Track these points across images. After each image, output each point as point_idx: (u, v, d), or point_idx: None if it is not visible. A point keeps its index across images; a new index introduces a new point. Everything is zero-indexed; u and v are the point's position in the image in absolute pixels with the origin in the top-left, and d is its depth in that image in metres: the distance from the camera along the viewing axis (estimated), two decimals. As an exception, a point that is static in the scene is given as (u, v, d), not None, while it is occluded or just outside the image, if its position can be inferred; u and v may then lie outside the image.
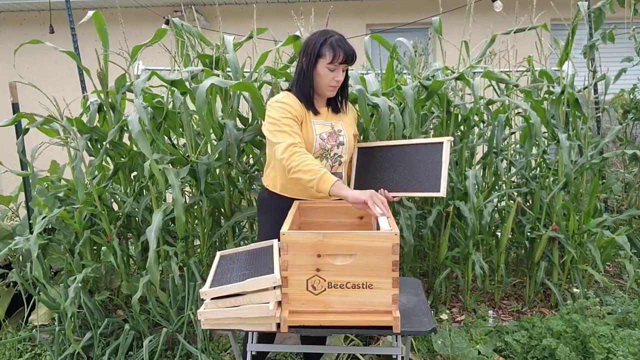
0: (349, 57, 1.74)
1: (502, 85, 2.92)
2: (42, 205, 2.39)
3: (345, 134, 1.86)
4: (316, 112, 1.83)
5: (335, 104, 1.89)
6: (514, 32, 2.63)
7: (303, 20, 2.58)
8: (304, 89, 1.80)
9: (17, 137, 2.51)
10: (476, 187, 2.53)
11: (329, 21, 2.47)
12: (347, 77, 1.86)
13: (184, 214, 2.16)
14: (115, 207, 2.66)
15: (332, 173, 1.81)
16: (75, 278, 2.28)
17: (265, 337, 1.89)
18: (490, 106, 2.69)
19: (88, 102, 2.51)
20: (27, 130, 2.41)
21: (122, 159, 2.48)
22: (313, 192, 1.67)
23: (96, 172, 2.50)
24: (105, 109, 2.45)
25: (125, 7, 6.17)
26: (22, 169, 2.55)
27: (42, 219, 2.29)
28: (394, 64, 2.71)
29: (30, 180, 2.43)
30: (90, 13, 2.31)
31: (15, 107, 2.54)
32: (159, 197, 2.46)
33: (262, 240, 1.81)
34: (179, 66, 2.59)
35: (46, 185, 2.66)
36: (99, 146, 2.53)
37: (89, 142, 2.45)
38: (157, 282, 2.12)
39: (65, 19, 3.24)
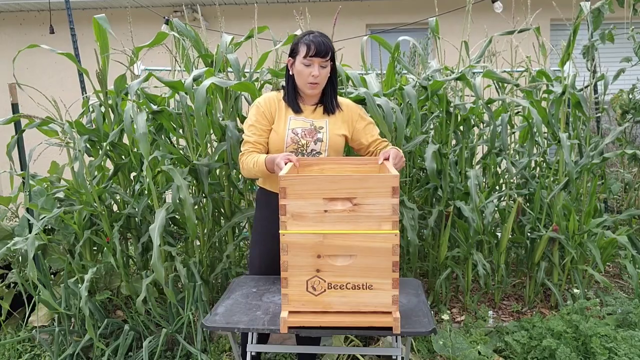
0: (320, 50, 1.74)
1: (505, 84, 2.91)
2: (36, 207, 2.38)
3: (327, 132, 1.84)
4: (298, 111, 1.85)
5: (327, 104, 1.88)
6: (517, 33, 2.61)
7: (303, 20, 2.58)
8: (289, 88, 1.87)
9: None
10: (477, 187, 2.52)
11: (329, 21, 2.47)
12: (334, 76, 1.87)
13: (193, 214, 2.16)
14: (114, 208, 2.65)
15: None
16: (78, 279, 2.27)
17: (260, 338, 1.92)
18: (489, 105, 2.67)
19: (89, 103, 2.51)
20: (22, 131, 2.40)
21: (122, 160, 2.48)
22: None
23: (96, 173, 2.49)
24: (104, 109, 2.44)
25: (125, 7, 6.16)
26: (22, 170, 2.55)
27: (40, 220, 2.29)
28: (394, 64, 2.70)
29: (25, 181, 2.42)
30: (98, 16, 2.31)
31: (15, 108, 2.53)
32: (159, 198, 2.46)
33: (256, 236, 1.95)
34: (179, 66, 2.59)
35: (46, 185, 2.65)
36: (98, 147, 2.52)
37: (88, 144, 2.43)
38: (162, 279, 2.10)
39: (65, 19, 3.23)
